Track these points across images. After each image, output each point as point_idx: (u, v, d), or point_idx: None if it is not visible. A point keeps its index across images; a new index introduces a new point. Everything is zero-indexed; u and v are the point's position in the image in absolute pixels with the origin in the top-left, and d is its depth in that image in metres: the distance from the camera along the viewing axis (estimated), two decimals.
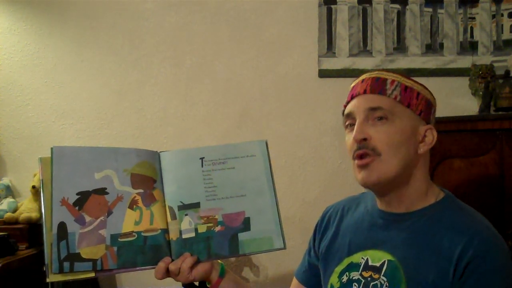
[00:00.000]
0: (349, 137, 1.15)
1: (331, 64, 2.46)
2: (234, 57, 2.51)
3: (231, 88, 2.51)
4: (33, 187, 2.39)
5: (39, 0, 2.58)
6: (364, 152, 1.10)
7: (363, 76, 1.18)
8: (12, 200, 2.48)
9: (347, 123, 1.17)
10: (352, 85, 1.21)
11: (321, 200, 2.44)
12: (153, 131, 2.55)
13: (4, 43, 2.60)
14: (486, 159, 1.91)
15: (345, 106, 1.20)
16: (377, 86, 1.13)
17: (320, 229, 1.32)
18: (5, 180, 2.55)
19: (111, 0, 2.55)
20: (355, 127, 1.12)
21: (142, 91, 2.55)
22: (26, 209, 2.38)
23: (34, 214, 2.36)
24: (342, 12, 2.45)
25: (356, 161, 1.12)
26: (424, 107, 1.14)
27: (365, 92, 1.14)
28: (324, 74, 2.46)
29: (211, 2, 2.52)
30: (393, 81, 1.13)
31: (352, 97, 1.17)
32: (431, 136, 1.14)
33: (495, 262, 1.02)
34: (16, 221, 2.35)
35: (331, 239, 1.26)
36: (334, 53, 2.46)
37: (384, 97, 1.12)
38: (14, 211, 2.40)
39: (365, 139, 1.10)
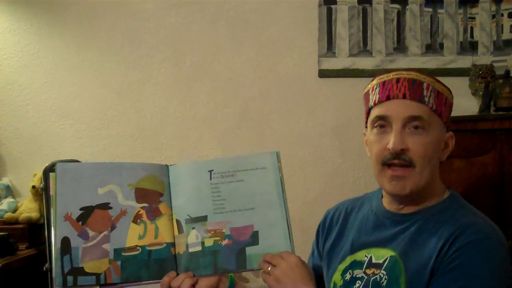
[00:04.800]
0: (379, 139, 1.12)
1: (331, 64, 2.46)
2: (234, 57, 2.51)
3: (231, 88, 2.51)
4: (33, 187, 2.39)
5: (39, 0, 2.58)
6: (399, 163, 1.09)
7: (397, 74, 1.14)
8: (12, 200, 2.47)
9: (377, 123, 1.13)
10: (383, 80, 1.15)
11: (321, 200, 2.44)
12: (153, 131, 2.55)
13: (4, 43, 2.59)
14: (486, 159, 1.91)
15: (375, 103, 1.14)
16: (416, 91, 1.10)
17: (324, 230, 1.32)
18: (5, 180, 2.55)
19: (111, 0, 2.55)
20: (394, 135, 1.09)
21: (142, 91, 2.55)
22: (26, 209, 2.37)
23: (34, 214, 2.35)
24: (342, 12, 2.45)
25: (390, 172, 1.11)
26: (449, 113, 1.15)
27: (404, 97, 1.10)
28: (324, 74, 2.46)
29: (211, 2, 2.52)
30: (428, 85, 1.12)
31: (388, 98, 1.12)
32: (452, 143, 1.16)
33: (485, 250, 1.03)
34: (16, 221, 2.34)
35: (335, 238, 1.27)
36: (334, 53, 2.46)
37: (423, 106, 1.10)
38: (14, 211, 2.40)
39: (403, 150, 1.09)
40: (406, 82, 1.11)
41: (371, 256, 1.15)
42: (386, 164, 1.10)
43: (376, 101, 1.14)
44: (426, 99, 1.10)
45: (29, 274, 2.23)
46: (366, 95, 1.19)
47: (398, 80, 1.12)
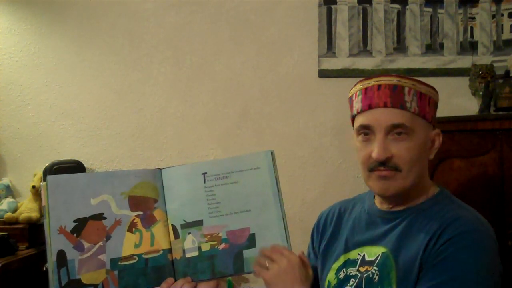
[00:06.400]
0: (364, 147, 1.14)
1: (331, 64, 2.46)
2: (234, 57, 2.51)
3: (231, 88, 2.51)
4: (33, 187, 2.39)
5: (39, 0, 2.58)
6: (384, 169, 1.11)
7: (377, 81, 1.14)
8: (12, 200, 2.47)
9: (361, 131, 1.15)
10: (364, 86, 1.16)
11: (321, 200, 2.44)
12: (153, 131, 2.55)
13: (4, 43, 2.60)
14: (486, 159, 1.91)
15: (358, 111, 1.16)
16: (397, 97, 1.11)
17: (318, 231, 1.34)
18: (5, 180, 2.55)
19: (111, 0, 2.55)
20: (377, 145, 1.11)
21: (142, 91, 2.55)
22: (26, 209, 2.38)
23: (34, 214, 2.35)
24: (342, 12, 2.45)
25: (376, 173, 1.12)
26: (433, 112, 1.16)
27: (385, 105, 1.11)
28: (324, 74, 2.46)
29: (211, 2, 2.52)
30: (410, 89, 1.12)
31: (370, 107, 1.13)
32: (439, 140, 1.17)
33: (472, 242, 1.04)
34: (16, 221, 2.34)
35: (329, 238, 1.28)
36: (334, 53, 2.46)
37: (405, 112, 1.10)
38: (14, 211, 2.40)
39: (387, 157, 1.11)
40: (387, 89, 1.11)
41: (364, 255, 1.16)
42: (372, 170, 1.13)
43: (359, 110, 1.15)
44: (408, 104, 1.11)
45: (29, 274, 2.23)
46: (350, 101, 1.21)
47: (379, 87, 1.12)
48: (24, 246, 2.29)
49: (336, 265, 1.21)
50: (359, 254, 1.17)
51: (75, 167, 2.41)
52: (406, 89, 1.11)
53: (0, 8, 2.59)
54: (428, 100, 1.13)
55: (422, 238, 1.08)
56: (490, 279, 1.04)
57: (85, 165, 2.49)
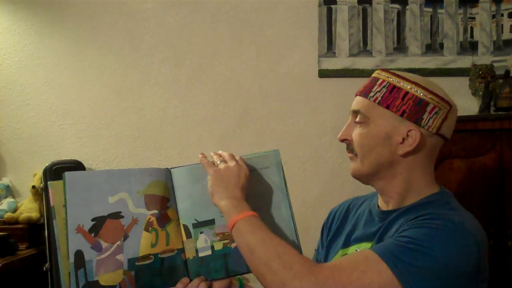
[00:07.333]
0: None
1: (331, 64, 2.46)
2: (234, 57, 2.51)
3: (231, 88, 2.51)
4: (33, 187, 2.39)
5: (39, 0, 2.58)
6: (348, 151, 1.21)
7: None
8: (12, 200, 2.48)
9: None
10: None
11: (321, 200, 2.44)
12: (153, 131, 2.55)
13: (4, 43, 2.59)
14: (486, 159, 1.91)
15: None
16: (367, 87, 1.16)
17: (327, 225, 1.36)
18: (5, 180, 2.55)
19: (111, 0, 2.55)
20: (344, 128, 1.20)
21: (142, 91, 2.55)
22: (26, 209, 2.38)
23: (34, 214, 2.35)
24: (342, 12, 2.46)
25: None
26: (411, 107, 1.11)
27: (358, 93, 1.19)
28: (324, 74, 2.47)
29: (211, 2, 2.52)
30: (382, 81, 1.14)
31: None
32: (413, 138, 1.11)
33: (440, 229, 0.99)
34: (16, 221, 2.35)
35: (334, 233, 1.30)
36: (334, 53, 2.46)
37: (365, 99, 1.15)
38: (14, 211, 2.40)
39: (346, 140, 1.19)
40: (368, 80, 1.18)
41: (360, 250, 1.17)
42: None
43: None
44: (372, 94, 1.14)
45: (29, 274, 2.23)
46: None
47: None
48: (24, 246, 2.29)
49: (335, 259, 1.22)
50: (356, 250, 1.18)
51: (75, 167, 2.41)
52: (379, 81, 1.15)
53: (0, 8, 2.59)
54: (404, 94, 1.12)
55: (398, 224, 1.08)
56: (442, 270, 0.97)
57: (85, 165, 2.49)
